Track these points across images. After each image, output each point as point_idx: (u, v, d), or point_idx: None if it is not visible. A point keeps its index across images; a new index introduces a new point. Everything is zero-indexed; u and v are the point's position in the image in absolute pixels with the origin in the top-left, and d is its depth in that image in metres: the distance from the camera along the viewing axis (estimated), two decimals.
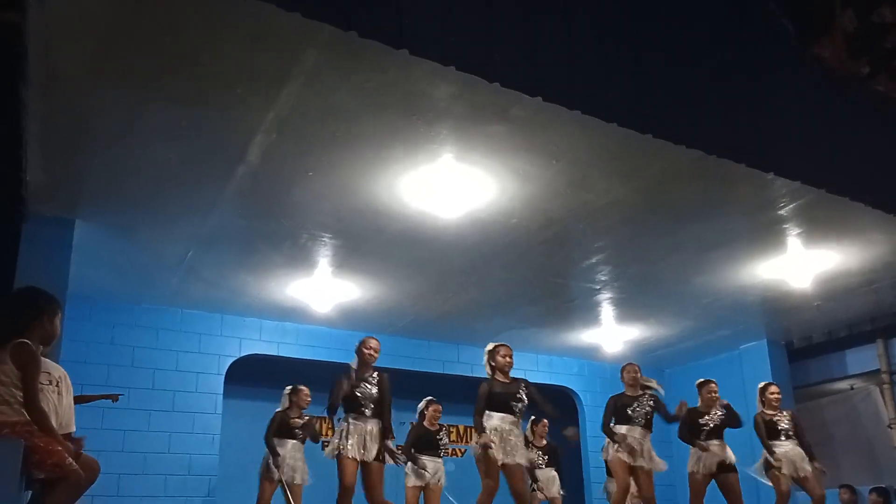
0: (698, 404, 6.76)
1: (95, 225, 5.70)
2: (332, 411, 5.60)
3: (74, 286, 5.76)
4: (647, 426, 6.34)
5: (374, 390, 5.60)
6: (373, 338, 5.84)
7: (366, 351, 5.71)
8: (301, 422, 6.88)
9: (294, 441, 6.80)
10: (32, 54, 3.71)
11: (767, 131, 4.96)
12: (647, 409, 6.36)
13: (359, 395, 5.54)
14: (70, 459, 3.41)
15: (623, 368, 6.62)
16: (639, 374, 6.50)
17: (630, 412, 6.32)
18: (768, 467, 6.70)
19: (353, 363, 5.69)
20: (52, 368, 3.84)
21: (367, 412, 5.54)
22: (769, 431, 6.76)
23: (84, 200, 5.35)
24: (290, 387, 7.02)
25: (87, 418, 6.40)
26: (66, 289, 5.40)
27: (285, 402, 6.93)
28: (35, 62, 3.76)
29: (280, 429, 6.78)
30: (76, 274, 5.73)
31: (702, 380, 6.92)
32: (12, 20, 3.70)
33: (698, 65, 4.79)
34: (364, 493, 5.52)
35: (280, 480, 6.62)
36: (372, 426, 5.53)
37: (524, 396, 5.67)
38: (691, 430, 6.64)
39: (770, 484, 6.74)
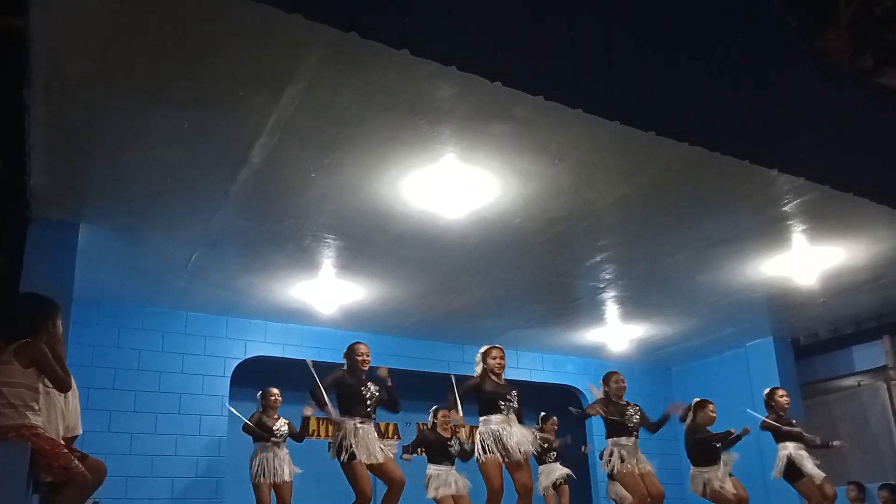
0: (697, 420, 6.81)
1: (100, 228, 5.71)
2: (319, 402, 5.67)
3: (80, 289, 5.77)
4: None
5: (376, 390, 5.69)
6: (361, 343, 5.96)
7: (357, 357, 5.82)
8: (283, 428, 7.13)
9: (275, 439, 7.03)
10: (36, 58, 3.72)
11: (771, 128, 4.94)
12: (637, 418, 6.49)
13: (365, 395, 5.59)
14: (76, 462, 3.43)
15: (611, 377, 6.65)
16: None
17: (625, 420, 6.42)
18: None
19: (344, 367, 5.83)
20: None
21: (372, 414, 5.65)
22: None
23: (88, 203, 5.36)
24: (260, 391, 7.27)
25: (94, 421, 6.46)
26: (71, 292, 5.42)
27: (259, 406, 7.23)
28: (38, 66, 3.77)
29: (261, 431, 7.03)
30: (81, 277, 5.74)
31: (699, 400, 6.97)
32: (16, 25, 3.72)
33: (700, 61, 4.77)
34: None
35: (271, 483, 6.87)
36: (372, 428, 5.67)
37: (515, 401, 5.75)
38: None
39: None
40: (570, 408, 7.03)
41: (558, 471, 8.05)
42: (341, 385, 5.70)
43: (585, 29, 4.28)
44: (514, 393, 5.80)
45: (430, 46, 3.65)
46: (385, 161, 4.80)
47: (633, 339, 9.13)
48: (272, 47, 3.68)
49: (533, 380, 9.46)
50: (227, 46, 3.67)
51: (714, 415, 6.83)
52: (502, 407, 5.67)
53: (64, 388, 3.53)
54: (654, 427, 6.63)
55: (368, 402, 5.64)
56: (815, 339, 9.56)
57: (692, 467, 6.80)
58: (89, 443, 4.97)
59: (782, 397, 7.03)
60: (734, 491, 6.67)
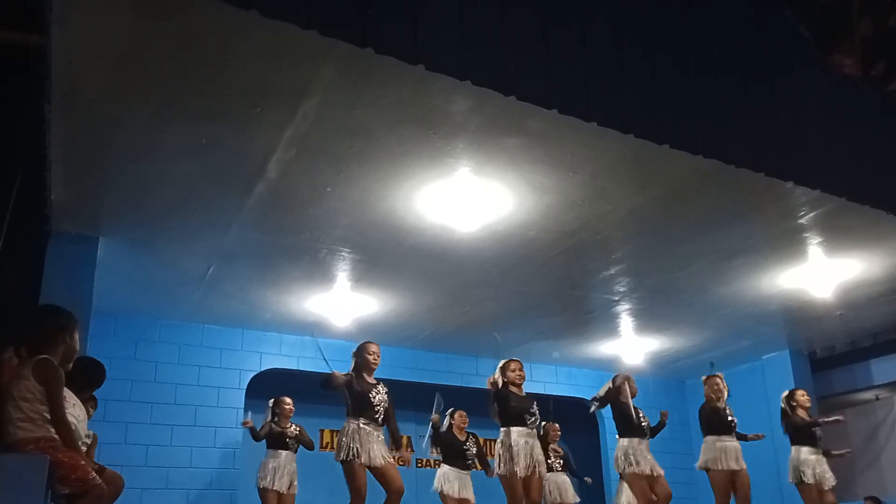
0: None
1: (118, 241, 5.77)
2: (327, 385, 5.59)
3: (98, 302, 5.83)
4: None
5: (386, 398, 5.67)
6: (372, 342, 5.86)
7: (368, 356, 5.72)
8: (296, 431, 7.17)
9: (287, 451, 7.05)
10: (55, 74, 3.78)
11: (786, 139, 4.94)
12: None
13: (373, 400, 5.57)
14: (94, 474, 3.45)
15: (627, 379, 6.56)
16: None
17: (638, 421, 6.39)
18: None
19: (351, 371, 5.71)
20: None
21: (380, 420, 5.59)
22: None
23: (107, 217, 5.43)
24: (272, 399, 7.27)
25: (110, 433, 6.51)
26: (90, 305, 5.48)
27: (269, 415, 7.20)
28: (58, 82, 3.84)
29: (273, 439, 7.05)
30: (100, 290, 5.80)
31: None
32: (37, 42, 3.78)
33: (715, 74, 4.78)
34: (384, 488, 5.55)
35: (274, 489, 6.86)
36: (380, 433, 5.60)
37: (537, 412, 5.77)
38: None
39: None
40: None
41: (570, 491, 7.95)
42: (350, 388, 5.63)
43: (599, 42, 4.30)
44: (536, 404, 5.80)
45: (445, 61, 3.68)
46: (399, 175, 4.83)
47: (648, 352, 9.08)
48: (288, 63, 3.72)
49: (547, 392, 9.42)
50: (243, 61, 3.72)
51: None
52: (528, 420, 5.67)
53: (55, 423, 3.42)
54: (652, 432, 6.59)
55: (377, 409, 5.58)
56: (832, 352, 9.46)
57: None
58: (106, 454, 5.01)
59: (802, 396, 6.95)
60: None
